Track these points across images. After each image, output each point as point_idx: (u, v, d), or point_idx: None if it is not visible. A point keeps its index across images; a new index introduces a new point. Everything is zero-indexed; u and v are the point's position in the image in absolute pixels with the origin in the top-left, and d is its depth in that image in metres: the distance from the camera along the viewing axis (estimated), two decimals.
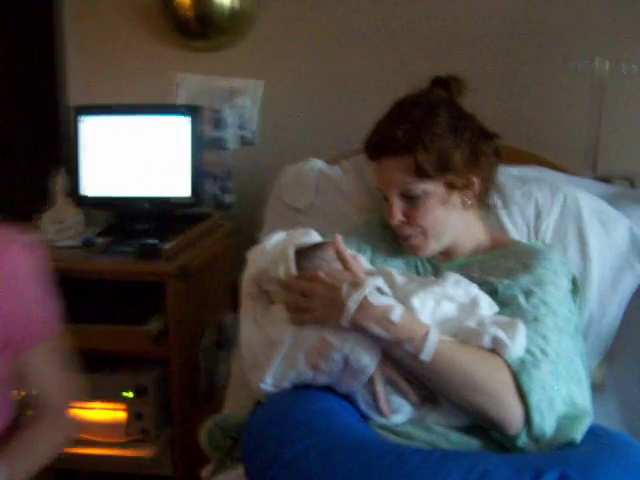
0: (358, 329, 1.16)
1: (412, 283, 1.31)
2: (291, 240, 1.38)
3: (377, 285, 1.21)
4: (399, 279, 1.33)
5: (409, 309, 1.19)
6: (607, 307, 1.56)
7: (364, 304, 1.16)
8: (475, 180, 1.41)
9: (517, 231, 1.60)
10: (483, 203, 1.49)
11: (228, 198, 2.63)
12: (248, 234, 2.62)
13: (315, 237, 1.41)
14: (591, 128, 2.21)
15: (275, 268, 1.30)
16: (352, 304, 1.16)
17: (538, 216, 1.60)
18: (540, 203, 1.61)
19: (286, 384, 1.23)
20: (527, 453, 1.13)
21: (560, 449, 1.13)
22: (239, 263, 2.57)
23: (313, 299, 1.21)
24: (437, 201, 1.38)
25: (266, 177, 2.65)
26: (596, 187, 1.76)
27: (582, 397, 1.27)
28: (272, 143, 2.70)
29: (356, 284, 1.18)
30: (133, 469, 2.07)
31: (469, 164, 1.38)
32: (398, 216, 1.40)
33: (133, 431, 2.03)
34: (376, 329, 1.15)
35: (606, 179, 2.03)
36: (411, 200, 1.38)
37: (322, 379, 1.22)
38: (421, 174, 1.35)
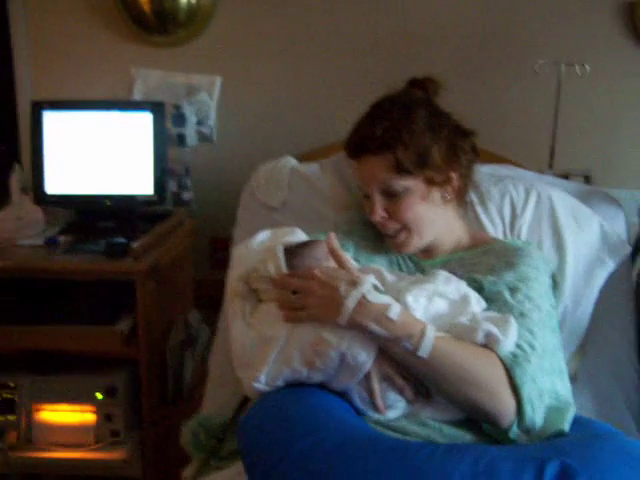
0: (356, 327, 1.18)
1: (403, 281, 1.33)
2: (278, 238, 1.39)
3: (373, 283, 1.23)
4: (389, 276, 1.35)
5: (403, 306, 1.21)
6: (580, 301, 1.62)
7: (362, 302, 1.17)
8: (454, 176, 1.44)
9: (494, 228, 1.65)
10: (462, 200, 1.53)
11: (187, 195, 2.61)
12: (207, 231, 2.63)
13: (301, 236, 1.42)
14: (548, 128, 2.29)
15: (264, 267, 1.30)
16: (350, 303, 1.17)
17: (513, 213, 1.65)
18: (515, 200, 1.66)
19: (280, 382, 1.23)
20: (525, 444, 1.16)
21: (551, 439, 1.17)
22: (199, 260, 2.60)
23: (309, 297, 1.21)
24: (418, 197, 1.41)
25: (224, 174, 2.67)
26: (563, 185, 1.82)
27: (564, 389, 1.31)
28: (230, 140, 2.68)
29: (354, 282, 1.20)
30: (103, 472, 2.03)
31: (447, 160, 1.42)
32: (380, 212, 1.43)
33: (103, 433, 2.00)
34: (374, 327, 1.16)
35: (564, 177, 2.11)
36: (392, 197, 1.41)
37: (317, 377, 1.22)
38: (401, 171, 1.38)
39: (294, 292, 1.26)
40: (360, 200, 1.64)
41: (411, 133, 1.38)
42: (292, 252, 1.32)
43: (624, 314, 1.68)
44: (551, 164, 2.29)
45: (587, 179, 2.20)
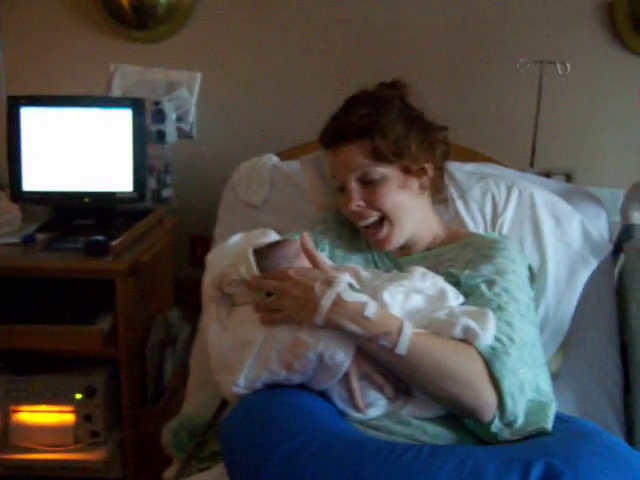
0: (332, 327, 1.17)
1: (379, 278, 1.33)
2: (248, 241, 1.38)
3: (349, 282, 1.22)
4: (365, 274, 1.34)
5: (380, 303, 1.21)
6: (562, 299, 1.62)
7: (337, 302, 1.16)
8: (428, 167, 1.46)
9: (475, 225, 1.65)
10: (438, 195, 1.54)
11: (166, 192, 2.58)
12: (187, 229, 2.61)
13: (273, 236, 1.41)
14: (529, 126, 2.30)
15: (236, 270, 1.29)
16: (326, 302, 1.16)
17: (495, 211, 1.66)
18: (497, 198, 1.66)
19: (258, 385, 1.22)
20: (509, 445, 1.15)
21: (534, 437, 1.17)
22: (179, 258, 2.58)
23: (284, 298, 1.20)
24: (395, 185, 1.41)
25: (204, 171, 2.65)
26: (545, 183, 1.83)
27: (545, 382, 1.31)
28: (211, 136, 2.66)
29: (328, 282, 1.19)
30: (83, 473, 2.00)
31: (423, 150, 1.43)
32: (357, 200, 1.42)
33: (82, 434, 1.97)
34: (351, 326, 1.15)
35: (545, 175, 2.11)
36: (369, 185, 1.41)
37: (295, 378, 1.21)
38: (379, 158, 1.39)
39: (268, 294, 1.25)
40: (334, 195, 1.64)
41: (388, 121, 1.40)
42: (262, 253, 1.31)
43: (606, 313, 1.68)
44: (532, 162, 2.30)
45: (568, 177, 2.21)
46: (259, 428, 1.13)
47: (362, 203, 1.42)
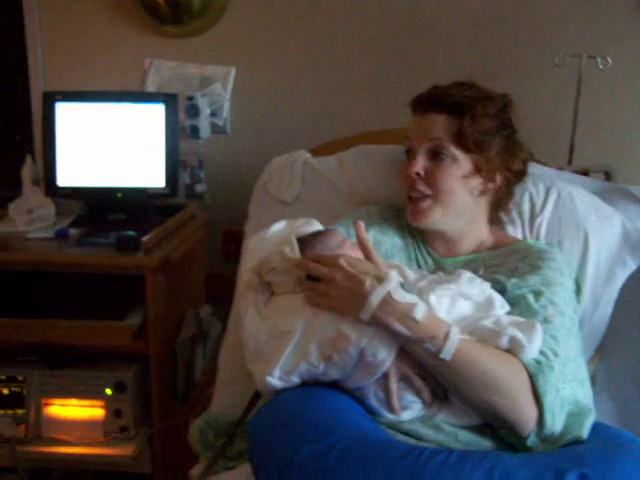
0: (378, 324, 1.14)
1: (424, 279, 1.30)
2: (292, 228, 1.35)
3: (400, 280, 1.19)
4: (410, 274, 1.31)
5: (426, 305, 1.18)
6: (600, 302, 1.57)
7: (387, 300, 1.13)
8: (499, 176, 1.44)
9: (512, 226, 1.60)
10: (495, 207, 1.51)
11: (199, 188, 2.57)
12: (220, 224, 2.61)
13: (317, 226, 1.38)
14: (568, 122, 2.24)
15: (278, 258, 1.26)
16: (375, 299, 1.13)
17: (532, 211, 1.61)
18: (534, 198, 1.62)
19: (294, 378, 1.20)
20: (542, 453, 1.12)
21: (569, 446, 1.13)
22: (212, 254, 2.58)
23: (331, 287, 1.17)
24: (460, 173, 1.40)
25: (238, 166, 2.64)
26: (584, 182, 1.77)
27: (585, 396, 1.28)
28: (244, 132, 2.66)
29: (380, 278, 1.16)
30: (111, 467, 2.01)
31: (501, 157, 1.42)
32: (418, 167, 1.41)
33: (112, 429, 1.98)
34: (397, 326, 1.13)
35: (583, 173, 2.06)
36: (437, 160, 1.40)
37: (333, 373, 1.19)
38: (459, 141, 1.38)
39: (313, 278, 1.21)
40: (378, 195, 1.61)
41: (484, 112, 1.39)
42: (304, 242, 1.28)
43: None
44: (570, 160, 2.24)
45: (607, 175, 2.14)
46: (286, 427, 1.11)
47: (422, 172, 1.41)
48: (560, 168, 2.00)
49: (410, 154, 1.45)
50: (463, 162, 1.39)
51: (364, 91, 2.54)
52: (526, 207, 1.61)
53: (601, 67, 2.17)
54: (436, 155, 1.40)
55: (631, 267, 1.60)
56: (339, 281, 1.17)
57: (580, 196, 1.62)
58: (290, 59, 2.59)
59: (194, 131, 2.48)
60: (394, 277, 1.17)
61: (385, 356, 1.15)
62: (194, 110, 2.47)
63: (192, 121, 2.48)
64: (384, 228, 1.52)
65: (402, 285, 1.18)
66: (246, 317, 1.27)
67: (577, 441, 1.15)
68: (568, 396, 1.21)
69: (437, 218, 1.43)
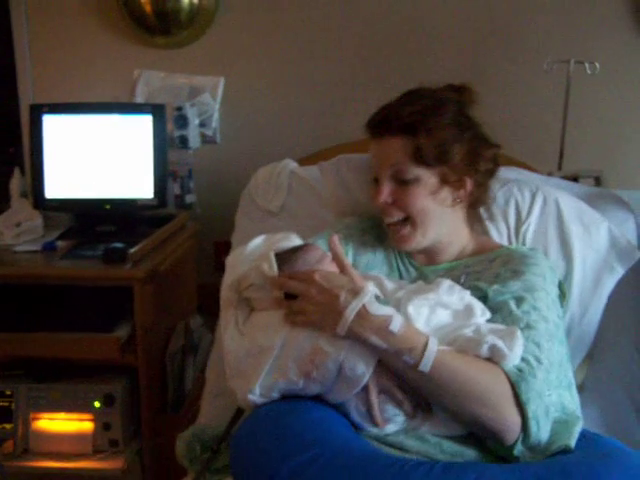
0: (355, 338, 1.13)
1: (403, 289, 1.29)
2: (270, 244, 1.34)
3: (376, 293, 1.18)
4: (389, 284, 1.30)
5: (404, 317, 1.16)
6: (588, 308, 1.56)
7: (362, 313, 1.12)
8: (468, 181, 1.40)
9: (498, 233, 1.59)
10: (473, 209, 1.48)
11: (190, 198, 2.57)
12: (211, 234, 2.60)
13: (296, 240, 1.37)
14: (557, 128, 2.23)
15: (255, 274, 1.25)
16: (350, 313, 1.12)
17: (518, 217, 1.60)
18: (520, 204, 1.60)
19: (275, 394, 1.19)
20: (528, 463, 1.11)
21: (555, 456, 1.12)
22: (203, 264, 2.57)
23: (307, 303, 1.17)
24: (427, 190, 1.37)
25: (228, 176, 2.63)
26: (571, 187, 1.77)
27: (572, 402, 1.27)
28: (234, 141, 2.65)
29: (354, 291, 1.15)
30: None
31: (466, 162, 1.38)
32: (385, 196, 1.39)
33: (101, 442, 1.96)
34: (374, 339, 1.12)
35: (573, 178, 2.05)
36: (402, 184, 1.37)
37: (313, 388, 1.18)
38: (418, 159, 1.34)
39: (289, 296, 1.20)
40: (359, 205, 1.60)
41: (437, 123, 1.35)
42: (283, 258, 1.27)
43: (633, 321, 1.61)
44: (560, 165, 2.23)
45: (597, 180, 2.13)
46: (269, 440, 1.10)
47: (389, 200, 1.39)
48: (549, 173, 1.99)
49: (377, 181, 1.42)
50: (428, 179, 1.36)
51: (353, 100, 2.54)
52: (511, 214, 1.60)
53: (589, 72, 2.17)
54: (400, 179, 1.37)
55: (619, 273, 1.59)
56: (314, 296, 1.16)
57: (566, 202, 1.61)
58: (279, 68, 2.59)
59: (183, 141, 2.48)
60: (369, 290, 1.15)
61: (364, 370, 1.14)
62: (183, 120, 2.46)
63: (181, 131, 2.47)
64: (364, 239, 1.51)
65: (378, 297, 1.17)
66: (225, 334, 1.27)
67: (565, 450, 1.13)
68: (555, 402, 1.19)
69: (419, 240, 1.41)
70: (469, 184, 1.40)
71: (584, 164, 2.26)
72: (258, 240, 1.37)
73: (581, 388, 1.57)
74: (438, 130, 1.34)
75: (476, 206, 1.49)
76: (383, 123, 1.39)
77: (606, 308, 1.58)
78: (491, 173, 1.47)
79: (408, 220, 1.39)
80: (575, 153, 2.28)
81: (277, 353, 1.17)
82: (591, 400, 1.53)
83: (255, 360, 1.19)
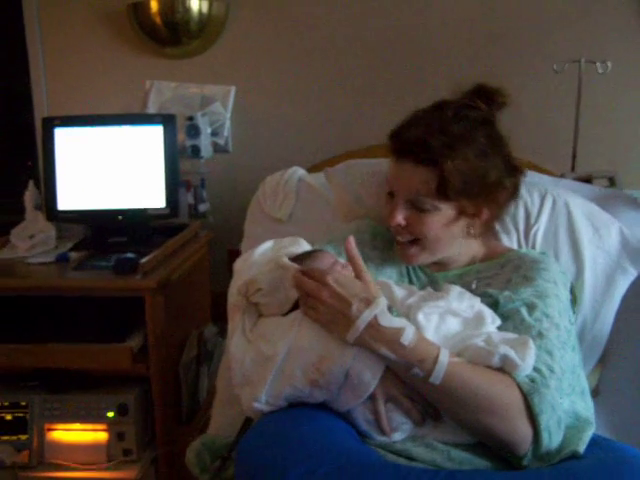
0: (364, 347, 1.12)
1: (413, 296, 1.27)
2: (279, 248, 1.33)
3: (388, 304, 1.16)
4: (398, 292, 1.28)
5: (413, 324, 1.15)
6: (600, 311, 1.54)
7: (374, 324, 1.11)
8: (485, 212, 1.37)
9: (507, 236, 1.57)
10: (489, 227, 1.46)
11: (203, 207, 2.58)
12: (224, 243, 2.60)
13: (305, 246, 1.37)
14: (570, 128, 2.21)
15: (264, 278, 1.24)
16: (361, 323, 1.11)
17: (527, 220, 1.58)
18: (529, 207, 1.58)
19: (281, 402, 1.18)
20: (536, 470, 1.09)
21: (564, 461, 1.10)
22: (217, 273, 2.57)
23: (318, 303, 1.15)
24: (443, 221, 1.34)
25: (240, 184, 2.64)
26: (582, 189, 1.74)
27: (585, 408, 1.24)
28: (247, 150, 2.67)
29: (368, 301, 1.13)
30: None
31: (486, 196, 1.34)
32: (399, 219, 1.36)
33: (115, 452, 1.96)
34: (384, 351, 1.10)
35: (586, 179, 2.02)
36: (417, 210, 1.34)
37: (320, 395, 1.16)
38: (440, 193, 1.30)
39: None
40: (367, 209, 1.58)
41: (464, 158, 1.29)
42: (295, 263, 1.25)
43: None
44: (573, 166, 2.21)
45: (612, 181, 2.10)
46: (273, 449, 1.09)
47: (403, 223, 1.36)
48: (562, 175, 1.97)
49: (392, 198, 1.39)
50: (445, 210, 1.33)
51: (365, 108, 2.54)
52: (521, 217, 1.58)
53: (601, 72, 2.14)
54: (417, 206, 1.34)
55: (632, 274, 1.56)
56: (325, 299, 1.14)
57: (576, 204, 1.59)
58: (289, 77, 2.59)
59: (195, 151, 2.49)
60: (382, 301, 1.14)
61: (370, 378, 1.13)
62: (194, 130, 2.47)
63: (193, 141, 2.48)
64: (374, 244, 1.50)
65: (390, 308, 1.15)
66: (232, 341, 1.26)
67: (573, 455, 1.11)
68: (567, 409, 1.17)
69: (425, 259, 1.40)
70: (485, 214, 1.38)
71: (598, 165, 2.23)
72: (266, 245, 1.36)
73: (595, 392, 1.54)
74: (464, 166, 1.29)
75: (491, 227, 1.47)
76: (409, 149, 1.32)
77: (619, 310, 1.55)
78: (509, 202, 1.43)
79: (418, 241, 1.38)
80: (588, 154, 2.25)
81: (281, 361, 1.15)
82: (605, 404, 1.50)
83: (260, 368, 1.18)
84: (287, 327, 1.19)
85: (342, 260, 1.30)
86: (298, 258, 1.28)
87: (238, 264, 1.36)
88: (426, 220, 1.34)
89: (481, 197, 1.33)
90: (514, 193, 1.41)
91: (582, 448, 1.12)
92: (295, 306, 1.22)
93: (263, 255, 1.33)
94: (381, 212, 1.49)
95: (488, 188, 1.33)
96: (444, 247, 1.39)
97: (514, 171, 1.39)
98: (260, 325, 1.25)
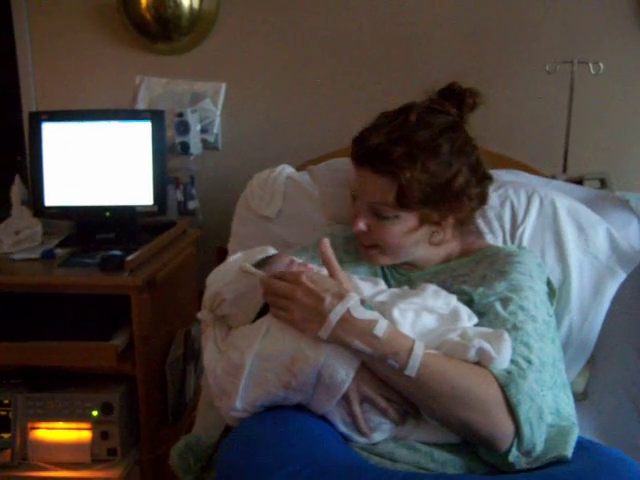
0: (338, 342, 1.11)
1: (381, 292, 1.27)
2: (247, 258, 1.33)
3: (361, 297, 1.16)
4: (362, 285, 1.28)
5: (388, 320, 1.14)
6: (588, 313, 1.52)
7: (346, 318, 1.10)
8: (450, 220, 1.35)
9: (493, 235, 1.56)
10: (459, 230, 1.43)
11: (192, 205, 2.56)
12: (214, 241, 2.58)
13: (271, 252, 1.36)
14: (561, 130, 2.20)
15: (227, 289, 1.24)
16: (334, 317, 1.09)
17: (514, 220, 1.57)
18: (516, 207, 1.57)
19: (258, 408, 1.17)
20: (520, 475, 1.07)
21: (550, 465, 1.08)
22: (205, 270, 2.54)
23: (292, 303, 1.14)
24: (405, 229, 1.33)
25: (230, 182, 2.62)
26: (571, 190, 1.73)
27: (567, 403, 1.22)
28: (237, 147, 2.65)
29: (340, 295, 1.12)
30: None
31: (451, 205, 1.32)
32: (361, 225, 1.35)
33: (99, 451, 1.94)
34: (358, 344, 1.09)
35: (578, 181, 2.01)
36: (379, 218, 1.33)
37: (295, 397, 1.15)
38: (399, 203, 1.29)
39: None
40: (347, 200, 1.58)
41: (425, 171, 1.26)
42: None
43: (636, 326, 1.56)
44: (565, 167, 2.19)
45: (603, 182, 2.09)
46: (253, 453, 1.07)
47: (364, 229, 1.35)
48: (553, 176, 1.96)
49: (355, 201, 1.37)
50: (407, 219, 1.31)
51: (356, 105, 2.52)
52: (507, 216, 1.57)
53: (593, 73, 2.13)
54: (378, 214, 1.32)
55: (620, 276, 1.55)
56: (299, 298, 1.13)
57: (563, 204, 1.57)
58: (280, 74, 2.57)
59: (184, 148, 2.47)
60: (354, 295, 1.13)
61: (344, 377, 1.12)
62: (184, 126, 2.45)
63: (182, 138, 2.46)
64: (347, 248, 1.48)
65: (364, 302, 1.14)
66: (205, 353, 1.26)
67: (560, 460, 1.09)
68: (550, 404, 1.15)
69: (388, 262, 1.40)
70: (451, 219, 1.35)
71: (589, 166, 2.21)
72: (235, 256, 1.36)
73: (583, 395, 1.53)
74: (424, 174, 1.27)
75: (462, 228, 1.43)
76: (369, 157, 1.30)
77: (608, 312, 1.53)
78: (475, 210, 1.40)
79: (379, 246, 1.37)
80: (580, 155, 2.24)
81: (251, 367, 1.14)
82: (593, 408, 1.49)
83: (231, 377, 1.17)
84: (255, 333, 1.18)
85: (300, 260, 1.30)
86: (257, 265, 1.28)
87: (210, 278, 1.35)
88: (386, 228, 1.33)
89: (444, 206, 1.31)
90: (482, 201, 1.39)
91: (569, 452, 1.10)
92: (262, 313, 1.22)
93: (232, 266, 1.32)
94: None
95: (452, 197, 1.31)
96: (406, 253, 1.38)
97: (481, 178, 1.36)
98: (231, 335, 1.25)
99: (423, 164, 1.26)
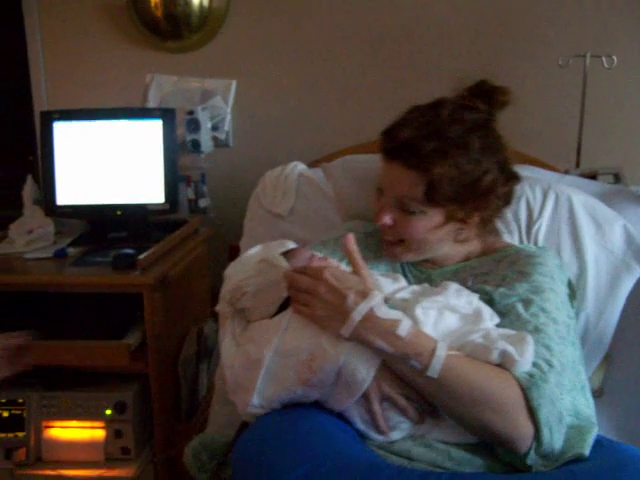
0: (360, 341, 1.10)
1: (404, 290, 1.25)
2: (267, 251, 1.32)
3: (384, 296, 1.15)
4: (383, 282, 1.27)
5: (411, 319, 1.13)
6: (604, 309, 1.50)
7: (369, 316, 1.09)
8: (476, 217, 1.34)
9: (509, 233, 1.54)
10: (482, 229, 1.42)
11: (203, 203, 2.55)
12: (226, 239, 2.58)
13: (291, 247, 1.35)
14: (574, 124, 2.18)
15: (249, 281, 1.24)
16: (357, 316, 1.09)
17: (530, 217, 1.55)
18: (532, 203, 1.56)
19: (276, 404, 1.16)
20: (538, 473, 1.06)
21: (568, 464, 1.07)
22: (218, 268, 2.54)
23: (314, 299, 1.14)
24: (431, 225, 1.32)
25: (241, 179, 2.62)
26: (585, 185, 1.71)
27: (586, 406, 1.21)
28: (248, 144, 2.64)
29: (363, 293, 1.11)
30: None
31: (477, 204, 1.32)
32: (386, 219, 1.34)
33: (113, 450, 1.94)
34: (380, 343, 1.08)
35: (591, 175, 1.99)
36: (406, 212, 1.32)
37: (313, 394, 1.15)
38: (427, 198, 1.27)
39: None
40: (363, 207, 1.57)
41: (456, 166, 1.25)
42: None
43: None
44: (578, 162, 2.18)
45: (617, 177, 2.07)
46: (269, 452, 1.06)
47: (390, 223, 1.34)
48: (566, 171, 1.94)
49: (381, 195, 1.36)
50: (433, 215, 1.30)
51: (366, 101, 2.51)
52: (523, 213, 1.55)
53: (606, 66, 2.11)
54: (405, 208, 1.31)
55: (637, 272, 1.52)
56: (322, 294, 1.13)
57: (579, 200, 1.55)
58: (290, 70, 2.57)
59: (195, 145, 2.46)
60: (378, 293, 1.12)
61: (364, 375, 1.11)
62: (194, 124, 2.45)
63: (193, 135, 2.46)
64: (367, 243, 1.47)
65: (387, 301, 1.14)
66: (222, 347, 1.25)
67: (578, 459, 1.08)
68: (568, 407, 1.14)
69: (411, 258, 1.39)
70: (477, 217, 1.35)
71: (603, 161, 2.20)
72: (254, 249, 1.35)
73: (599, 392, 1.52)
74: (455, 170, 1.26)
75: (486, 226, 1.42)
76: (399, 151, 1.29)
77: (624, 309, 1.52)
78: (501, 209, 1.39)
79: (404, 242, 1.36)
80: (593, 150, 2.23)
81: (270, 363, 1.14)
82: (610, 404, 1.48)
83: (249, 372, 1.17)
84: (275, 328, 1.17)
85: (319, 255, 1.29)
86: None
87: (228, 271, 1.34)
88: (413, 223, 1.32)
89: (471, 203, 1.30)
90: (507, 200, 1.38)
91: (587, 451, 1.09)
92: (282, 308, 1.21)
93: (250, 259, 1.31)
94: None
95: (479, 195, 1.30)
96: (431, 249, 1.37)
97: (509, 178, 1.36)
98: (249, 329, 1.24)
99: (454, 160, 1.25)
